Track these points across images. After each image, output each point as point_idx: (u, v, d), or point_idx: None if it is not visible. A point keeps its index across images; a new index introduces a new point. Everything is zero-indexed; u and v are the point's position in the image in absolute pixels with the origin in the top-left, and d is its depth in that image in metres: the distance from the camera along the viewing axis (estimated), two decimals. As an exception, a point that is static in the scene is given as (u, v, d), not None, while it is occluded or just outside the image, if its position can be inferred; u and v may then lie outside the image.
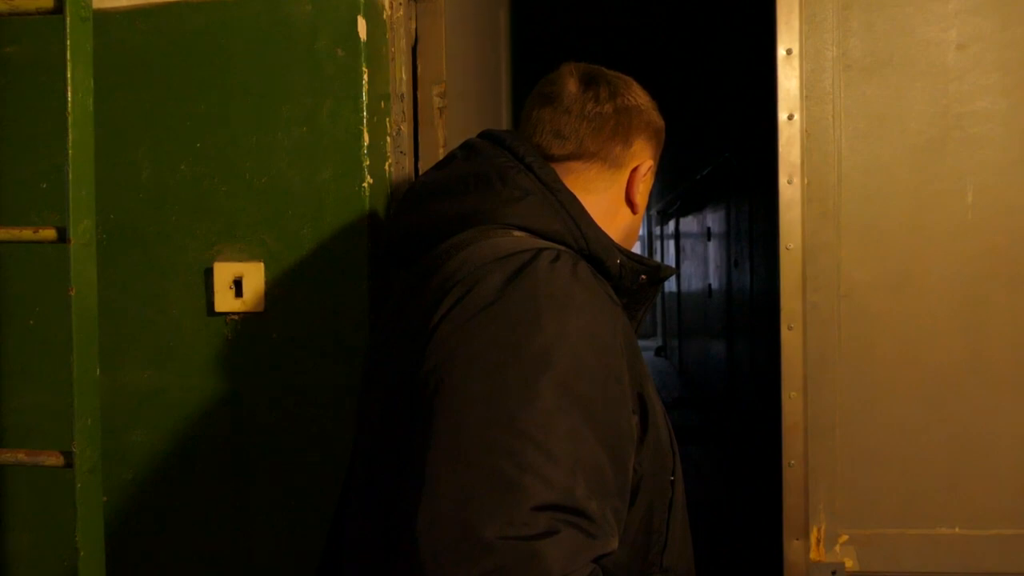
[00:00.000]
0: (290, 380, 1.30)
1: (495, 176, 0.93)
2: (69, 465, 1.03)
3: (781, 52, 1.46)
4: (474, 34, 1.82)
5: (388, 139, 1.37)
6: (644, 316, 1.05)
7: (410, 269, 0.96)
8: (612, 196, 1.02)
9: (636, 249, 1.07)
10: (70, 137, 1.02)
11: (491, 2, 1.80)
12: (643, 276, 0.97)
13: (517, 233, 0.89)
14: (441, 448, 0.71)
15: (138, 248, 1.35)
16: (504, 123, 1.92)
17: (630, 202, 1.04)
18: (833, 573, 1.45)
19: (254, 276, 1.30)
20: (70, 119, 1.02)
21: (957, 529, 1.44)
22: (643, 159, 1.04)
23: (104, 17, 1.33)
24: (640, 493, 0.84)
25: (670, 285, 10.06)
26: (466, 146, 1.00)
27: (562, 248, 0.86)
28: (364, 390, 0.97)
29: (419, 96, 1.46)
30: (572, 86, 1.02)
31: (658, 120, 1.07)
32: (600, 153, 1.00)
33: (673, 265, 9.47)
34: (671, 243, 9.74)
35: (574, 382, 0.73)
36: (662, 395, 8.34)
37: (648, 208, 15.17)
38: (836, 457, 1.46)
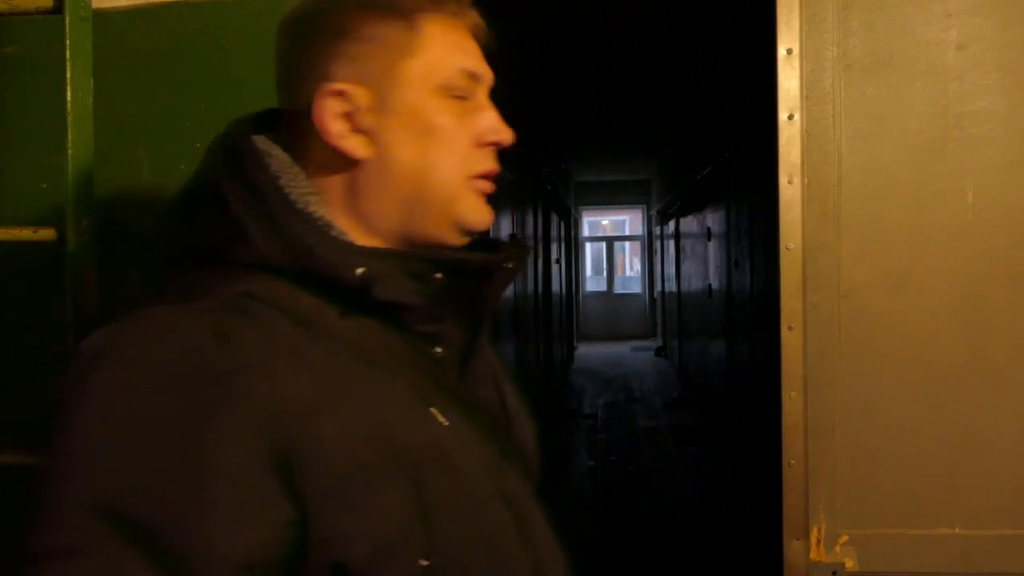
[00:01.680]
0: (290, 380, 1.30)
1: (208, 191, 0.72)
2: (69, 465, 1.02)
3: (781, 52, 1.46)
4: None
5: (388, 139, 1.37)
6: (484, 317, 0.77)
7: None
8: (320, 154, 0.72)
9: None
10: (70, 137, 1.02)
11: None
12: (437, 275, 0.70)
13: (221, 271, 0.67)
14: None
15: (138, 248, 1.35)
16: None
17: (340, 150, 0.71)
18: (833, 573, 1.45)
19: (254, 276, 1.30)
20: (70, 119, 1.02)
21: (957, 529, 1.43)
22: (322, 81, 0.70)
23: (104, 17, 1.33)
24: None
25: (670, 285, 10.04)
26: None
27: (170, 306, 0.64)
28: None
29: (419, 96, 1.46)
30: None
31: (338, 21, 0.70)
32: (289, 106, 0.74)
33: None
34: (671, 243, 9.74)
35: (113, 497, 0.55)
36: (662, 395, 8.35)
37: (648, 208, 15.03)
38: (836, 457, 1.45)
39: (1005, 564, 1.42)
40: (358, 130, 0.70)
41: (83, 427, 0.58)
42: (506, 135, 0.75)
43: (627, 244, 15.49)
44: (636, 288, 14.38)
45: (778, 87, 1.46)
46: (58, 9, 1.03)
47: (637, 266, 15.02)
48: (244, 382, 0.59)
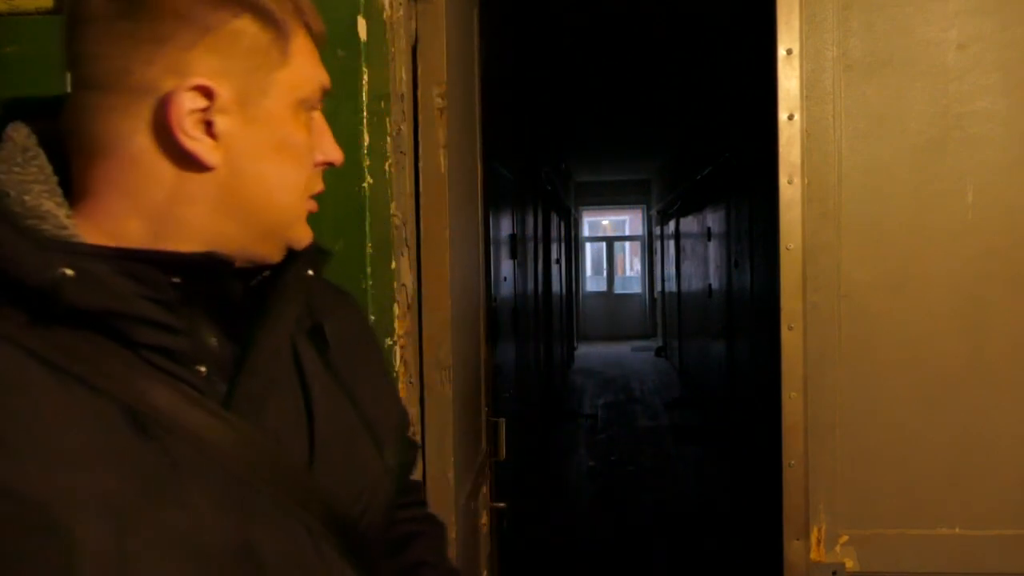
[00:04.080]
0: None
1: None
2: (69, 465, 1.03)
3: (781, 52, 1.46)
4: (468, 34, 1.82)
5: (388, 139, 1.37)
6: (263, 331, 0.67)
7: None
8: (138, 152, 0.61)
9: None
10: (70, 137, 1.02)
11: (467, 1, 1.81)
12: (174, 279, 0.61)
13: None
14: None
15: (138, 248, 1.35)
16: (476, 125, 1.91)
17: (182, 153, 0.62)
18: (833, 573, 1.45)
19: (254, 276, 1.30)
20: (70, 119, 1.02)
21: (957, 529, 1.43)
22: (190, 74, 0.61)
23: (104, 17, 1.33)
24: None
25: (670, 285, 10.04)
26: None
27: None
28: None
29: (419, 96, 1.46)
30: None
31: (207, 9, 0.62)
32: (89, 79, 0.61)
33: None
34: (671, 243, 9.74)
35: None
36: (662, 395, 8.36)
37: (648, 208, 15.11)
38: (836, 457, 1.45)
39: (1005, 564, 1.42)
40: (210, 133, 0.62)
41: None
42: (339, 156, 0.73)
43: (627, 244, 15.49)
44: (636, 288, 14.38)
45: (778, 87, 1.46)
46: (58, 9, 1.03)
47: (637, 266, 15.02)
48: None
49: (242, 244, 0.66)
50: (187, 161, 0.62)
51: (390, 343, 1.35)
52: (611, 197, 13.51)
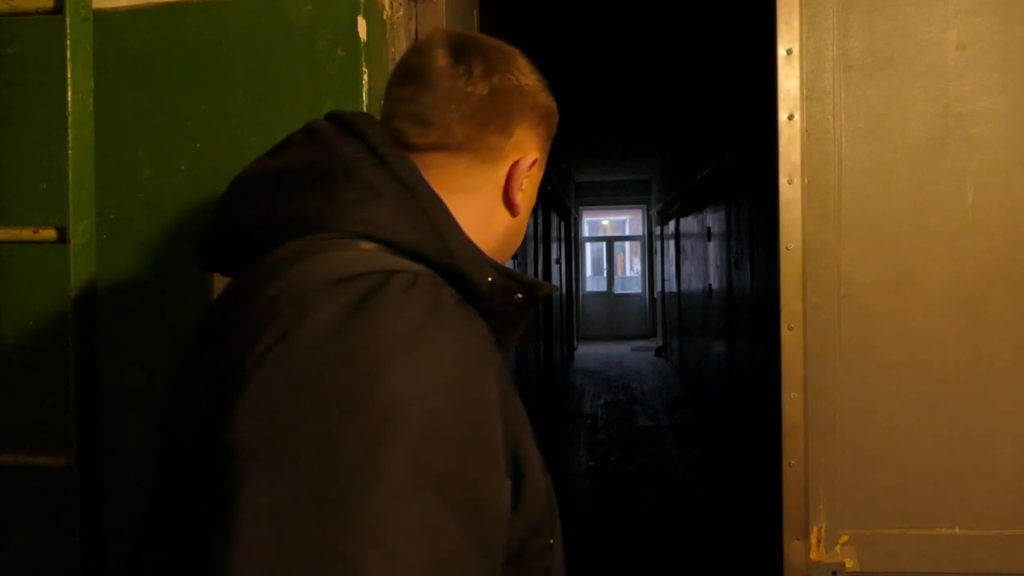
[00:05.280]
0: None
1: (339, 170, 0.74)
2: (69, 465, 1.03)
3: (781, 52, 1.46)
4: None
5: (388, 139, 1.37)
6: (516, 340, 0.88)
7: (232, 282, 0.77)
8: (485, 196, 0.85)
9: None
10: (70, 137, 1.03)
11: (467, 2, 1.81)
12: (519, 295, 0.81)
13: (365, 245, 0.71)
14: (244, 548, 0.54)
15: (138, 248, 1.35)
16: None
17: (509, 203, 0.86)
18: (833, 573, 1.45)
19: (254, 276, 1.30)
20: (70, 119, 1.02)
21: (957, 529, 1.44)
22: (526, 151, 0.86)
23: (104, 17, 1.33)
24: (508, 568, 0.68)
25: (670, 285, 10.06)
26: (308, 129, 0.81)
27: (420, 269, 0.70)
28: (170, 422, 0.73)
29: (419, 96, 1.46)
30: (440, 59, 0.82)
31: (547, 103, 0.88)
32: (471, 143, 0.82)
33: (672, 270, 9.43)
34: (671, 243, 9.74)
35: (429, 452, 0.58)
36: (662, 395, 8.34)
37: (648, 208, 15.08)
38: (836, 457, 1.46)
39: (1005, 564, 1.42)
40: (520, 188, 0.87)
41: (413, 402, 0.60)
42: None
43: (627, 244, 15.48)
44: (636, 288, 14.38)
45: (778, 87, 1.46)
46: (58, 9, 1.03)
47: (637, 266, 15.01)
48: (489, 349, 0.69)
49: None
50: (508, 207, 0.86)
51: (390, 343, 1.35)
52: (611, 197, 13.51)
